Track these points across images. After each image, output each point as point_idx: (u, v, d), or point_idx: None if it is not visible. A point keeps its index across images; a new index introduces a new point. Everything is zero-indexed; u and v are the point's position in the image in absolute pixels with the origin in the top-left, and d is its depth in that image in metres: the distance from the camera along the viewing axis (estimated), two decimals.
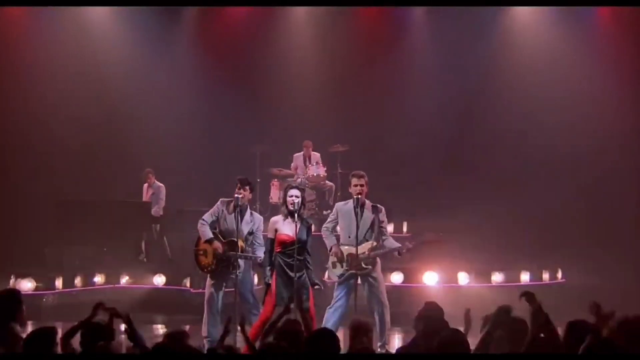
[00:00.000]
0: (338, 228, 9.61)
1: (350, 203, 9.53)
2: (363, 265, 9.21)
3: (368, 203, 9.44)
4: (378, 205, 9.51)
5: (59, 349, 5.55)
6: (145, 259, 14.84)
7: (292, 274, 8.86)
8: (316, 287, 9.05)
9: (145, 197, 15.19)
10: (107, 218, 14.58)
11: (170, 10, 16.45)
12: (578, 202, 15.60)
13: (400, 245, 9.41)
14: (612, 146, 15.70)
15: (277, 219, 9.21)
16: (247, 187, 9.56)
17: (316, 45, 16.99)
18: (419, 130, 16.23)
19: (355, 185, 9.43)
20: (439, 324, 5.88)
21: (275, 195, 14.99)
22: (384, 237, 9.48)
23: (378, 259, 9.42)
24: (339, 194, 15.00)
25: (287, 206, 9.05)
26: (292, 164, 15.52)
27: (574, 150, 15.74)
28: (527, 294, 5.82)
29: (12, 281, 12.99)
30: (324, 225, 9.68)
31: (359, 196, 9.32)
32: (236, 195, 9.44)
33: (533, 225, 15.38)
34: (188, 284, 13.49)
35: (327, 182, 15.33)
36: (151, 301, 13.10)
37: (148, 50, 16.29)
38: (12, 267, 13.44)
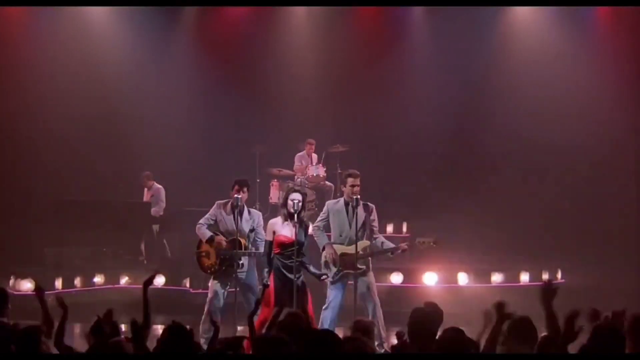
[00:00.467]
0: (330, 227, 9.60)
1: (341, 202, 9.55)
2: (358, 265, 9.21)
3: (360, 202, 9.45)
4: (369, 204, 9.52)
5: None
6: (145, 260, 14.84)
7: (291, 276, 8.87)
8: (323, 277, 9.07)
9: (146, 200, 15.20)
10: (107, 218, 14.59)
11: (170, 10, 16.44)
12: (578, 202, 15.60)
13: (394, 246, 9.40)
14: (612, 146, 15.70)
15: (276, 220, 9.22)
16: (245, 188, 9.62)
17: (316, 45, 16.98)
18: (418, 130, 16.23)
19: (353, 185, 9.44)
20: (428, 331, 5.83)
21: (275, 196, 14.99)
22: (375, 236, 9.49)
23: (370, 259, 9.44)
24: (338, 194, 15.00)
25: (287, 209, 9.06)
26: (295, 165, 15.47)
27: (574, 150, 15.74)
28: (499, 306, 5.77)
29: (11, 281, 12.99)
30: (314, 224, 9.66)
31: (358, 196, 9.32)
32: (236, 195, 9.45)
33: (533, 225, 15.38)
34: (188, 285, 13.49)
35: (326, 182, 15.33)
36: (151, 301, 13.04)
37: (148, 50, 16.28)
38: (12, 267, 13.43)
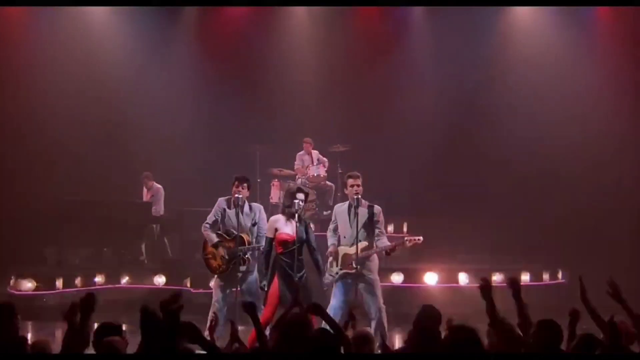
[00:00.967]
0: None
1: (346, 204, 9.58)
2: (353, 265, 9.21)
3: (364, 203, 9.45)
4: (375, 206, 9.51)
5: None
6: (145, 259, 14.85)
7: (293, 274, 8.87)
8: (325, 288, 9.09)
9: (145, 200, 15.20)
10: (108, 218, 14.60)
11: (170, 10, 16.44)
12: (578, 202, 15.59)
13: (387, 246, 9.37)
14: (612, 145, 15.69)
15: (278, 218, 9.22)
16: (246, 185, 9.61)
17: (316, 45, 16.98)
18: (418, 130, 16.22)
19: (352, 186, 9.45)
20: (432, 332, 5.84)
21: (275, 196, 14.99)
22: (377, 237, 9.46)
23: (375, 260, 9.42)
24: (339, 194, 15.00)
25: (292, 208, 9.06)
26: (295, 163, 15.48)
27: (574, 150, 15.74)
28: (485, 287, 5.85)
29: (12, 281, 13.00)
30: (329, 227, 9.76)
31: (358, 196, 9.32)
32: (236, 194, 9.46)
33: (533, 226, 15.38)
34: (188, 284, 13.50)
35: (327, 182, 15.33)
36: (151, 301, 13.02)
37: (148, 50, 16.29)
38: (13, 267, 13.44)
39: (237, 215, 9.43)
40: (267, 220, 9.54)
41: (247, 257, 9.42)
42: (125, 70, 16.02)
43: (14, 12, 15.97)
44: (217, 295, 9.51)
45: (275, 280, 8.95)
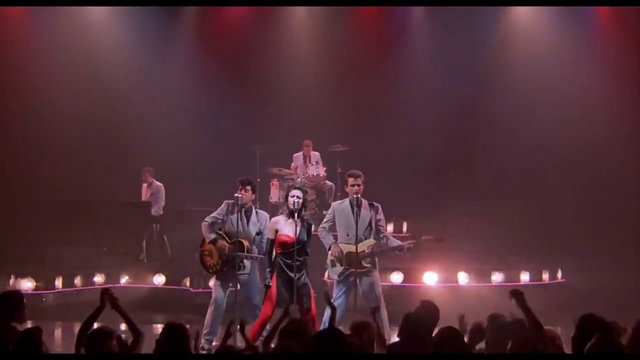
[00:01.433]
0: (336, 227, 9.60)
1: (346, 202, 9.56)
2: (363, 264, 9.21)
3: (365, 201, 9.44)
4: (375, 203, 9.51)
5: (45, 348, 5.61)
6: (145, 259, 14.84)
7: (292, 275, 8.86)
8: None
9: (145, 198, 15.19)
10: (107, 218, 14.59)
11: (170, 10, 16.45)
12: (578, 202, 15.61)
13: (401, 243, 9.40)
14: (612, 145, 15.69)
15: (278, 219, 9.20)
16: (248, 187, 9.55)
17: (316, 45, 16.99)
18: (418, 129, 16.22)
19: (353, 185, 9.44)
20: (424, 330, 5.84)
21: (275, 195, 15.00)
22: (382, 235, 9.48)
23: (376, 258, 9.43)
24: (338, 194, 14.99)
25: (287, 206, 9.05)
26: (292, 164, 15.52)
27: (574, 150, 15.75)
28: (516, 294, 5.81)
29: (11, 281, 12.99)
30: (320, 225, 9.68)
31: (358, 195, 9.32)
32: (236, 195, 9.45)
33: (533, 225, 15.37)
34: (188, 284, 13.49)
35: (327, 182, 15.33)
36: (151, 301, 13.09)
37: (148, 50, 16.30)
38: (12, 267, 13.44)
39: (238, 219, 9.39)
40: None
41: (243, 264, 9.39)
42: (126, 70, 16.02)
43: (14, 12, 15.98)
44: (216, 293, 9.50)
45: (274, 280, 8.94)
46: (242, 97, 16.49)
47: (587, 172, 15.64)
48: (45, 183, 15.46)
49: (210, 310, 9.44)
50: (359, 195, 9.34)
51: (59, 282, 13.26)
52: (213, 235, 9.51)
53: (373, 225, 9.42)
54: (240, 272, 9.36)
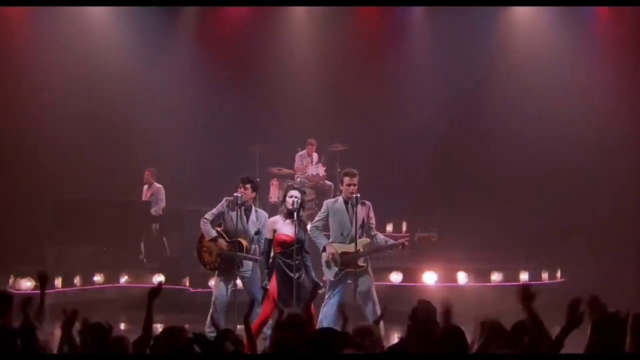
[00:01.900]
0: (330, 226, 9.58)
1: (340, 200, 9.53)
2: (359, 263, 9.19)
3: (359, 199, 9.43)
4: (365, 202, 9.47)
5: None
6: (144, 259, 14.85)
7: (291, 274, 8.86)
8: (320, 290, 9.03)
9: (145, 198, 15.20)
10: (107, 217, 14.60)
11: (170, 10, 16.45)
12: (577, 201, 15.61)
13: (394, 242, 9.40)
14: (611, 145, 15.71)
15: (276, 219, 9.20)
16: (248, 186, 9.55)
17: (316, 44, 17.00)
18: (418, 129, 16.23)
19: (349, 185, 9.43)
20: (429, 324, 5.84)
21: (274, 195, 15.00)
22: (372, 233, 9.47)
23: (368, 258, 9.43)
24: (338, 193, 14.99)
25: (286, 206, 9.06)
26: (295, 164, 15.49)
27: (574, 149, 15.75)
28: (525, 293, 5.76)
29: (11, 280, 12.99)
30: (312, 225, 9.58)
31: (357, 195, 9.31)
32: (236, 194, 9.45)
33: (532, 225, 15.38)
34: (187, 284, 13.49)
35: (326, 181, 15.33)
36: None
37: (148, 50, 16.30)
38: (12, 266, 13.44)
39: (238, 217, 9.40)
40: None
41: (242, 263, 9.40)
42: (126, 70, 16.02)
43: (14, 12, 15.98)
44: (217, 291, 9.50)
45: (274, 279, 8.94)
46: (242, 96, 16.50)
47: (587, 171, 15.64)
48: (45, 183, 15.46)
49: (212, 308, 9.42)
50: (358, 194, 9.33)
51: (58, 282, 13.25)
52: (214, 233, 9.50)
53: (366, 224, 9.42)
54: (239, 270, 9.37)
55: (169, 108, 16.55)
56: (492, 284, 13.46)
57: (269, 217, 9.57)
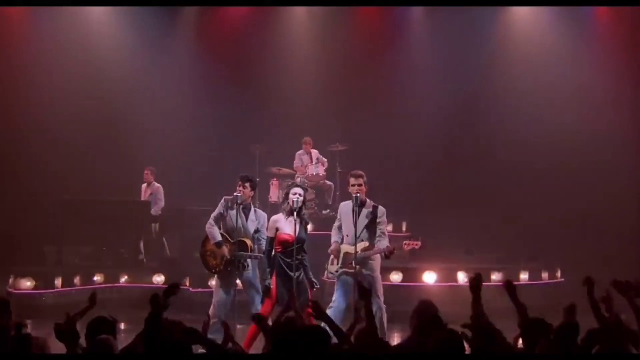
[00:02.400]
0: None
1: (350, 203, 9.55)
2: (353, 264, 9.19)
3: (369, 203, 9.41)
4: (378, 206, 9.47)
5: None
6: (144, 259, 14.85)
7: (291, 274, 8.86)
8: (314, 287, 9.07)
9: (144, 198, 15.19)
10: (107, 217, 14.59)
11: (169, 10, 16.46)
12: (577, 201, 15.62)
13: (385, 247, 9.35)
14: (611, 145, 15.72)
15: (278, 217, 9.19)
16: (247, 184, 9.54)
17: (316, 44, 17.02)
18: (418, 129, 16.24)
19: (353, 185, 9.43)
20: (433, 321, 5.86)
21: (274, 194, 15.00)
22: (378, 238, 9.43)
23: (377, 259, 9.41)
24: (337, 193, 15.02)
25: (288, 203, 9.05)
26: (294, 162, 15.50)
27: (573, 149, 15.76)
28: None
29: (11, 280, 12.99)
30: (334, 224, 9.66)
31: (358, 195, 9.31)
32: (235, 193, 9.45)
33: (533, 224, 15.39)
34: (187, 283, 13.49)
35: (326, 181, 15.34)
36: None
37: (148, 50, 16.31)
38: (12, 266, 13.44)
39: (237, 215, 9.41)
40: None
41: (247, 263, 9.40)
42: (125, 70, 16.03)
43: (14, 12, 15.98)
44: (218, 295, 9.49)
45: (274, 278, 8.94)
46: (241, 96, 16.50)
47: (586, 171, 15.65)
48: (44, 182, 15.47)
49: (213, 310, 9.40)
50: (359, 195, 9.32)
51: (58, 281, 13.25)
52: (219, 237, 9.48)
53: (371, 227, 9.39)
54: (244, 271, 9.38)
55: (169, 108, 16.55)
56: (492, 283, 13.44)
57: (269, 216, 9.57)
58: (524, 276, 13.66)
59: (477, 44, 16.41)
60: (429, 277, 13.24)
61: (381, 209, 9.44)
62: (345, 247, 9.35)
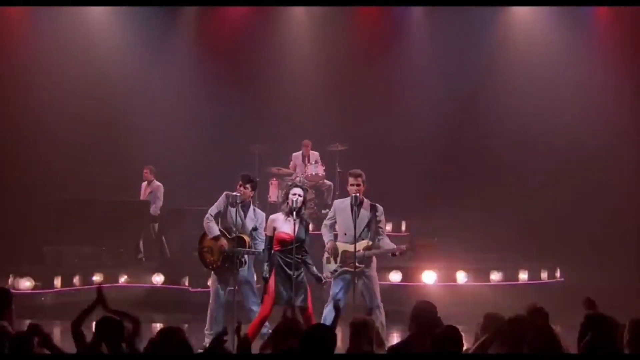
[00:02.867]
0: (336, 226, 9.61)
1: (347, 201, 9.53)
2: (357, 263, 9.19)
3: (367, 202, 9.42)
4: (377, 205, 9.48)
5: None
6: (143, 258, 14.85)
7: (290, 273, 8.85)
8: (323, 281, 9.06)
9: (143, 196, 15.18)
10: (106, 217, 14.58)
11: (169, 10, 16.46)
12: (577, 200, 15.63)
13: (395, 247, 9.38)
14: (611, 144, 15.72)
15: (276, 217, 9.19)
16: (248, 185, 9.57)
17: (315, 44, 17.01)
18: (417, 129, 16.25)
19: (352, 185, 9.44)
20: (432, 322, 5.87)
21: (273, 194, 15.01)
22: (379, 237, 9.44)
23: (374, 258, 9.42)
24: (337, 193, 15.00)
25: (288, 204, 9.04)
26: (290, 163, 15.54)
27: (573, 148, 15.77)
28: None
29: (10, 280, 12.98)
30: (324, 222, 9.66)
31: (357, 195, 9.31)
32: (235, 192, 9.46)
33: (532, 224, 15.39)
34: (187, 283, 13.49)
35: (325, 181, 15.34)
36: (150, 300, 13.09)
37: (148, 50, 16.31)
38: (11, 266, 13.44)
39: (236, 213, 9.42)
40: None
41: (244, 260, 9.41)
42: (125, 70, 16.03)
43: (14, 12, 15.98)
44: (215, 290, 9.50)
45: (273, 277, 8.94)
46: (241, 96, 16.50)
47: (586, 171, 15.65)
48: (44, 182, 15.47)
49: (210, 308, 9.44)
50: (358, 195, 9.32)
51: (57, 282, 13.25)
52: (217, 232, 9.49)
53: (372, 226, 9.40)
54: (240, 269, 9.38)
55: (169, 108, 16.55)
56: (492, 283, 13.45)
57: (268, 216, 9.57)
58: (523, 276, 13.67)
59: (477, 44, 16.41)
60: (429, 277, 13.25)
61: (380, 208, 9.46)
62: (344, 246, 9.34)
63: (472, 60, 16.36)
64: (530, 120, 16.02)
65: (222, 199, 9.61)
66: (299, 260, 8.93)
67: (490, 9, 16.42)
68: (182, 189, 15.56)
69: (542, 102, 16.07)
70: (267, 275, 8.89)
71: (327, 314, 9.21)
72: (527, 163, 16.05)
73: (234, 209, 9.43)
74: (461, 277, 13.40)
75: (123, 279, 13.90)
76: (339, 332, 7.61)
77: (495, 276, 13.48)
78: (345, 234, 9.37)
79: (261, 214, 9.73)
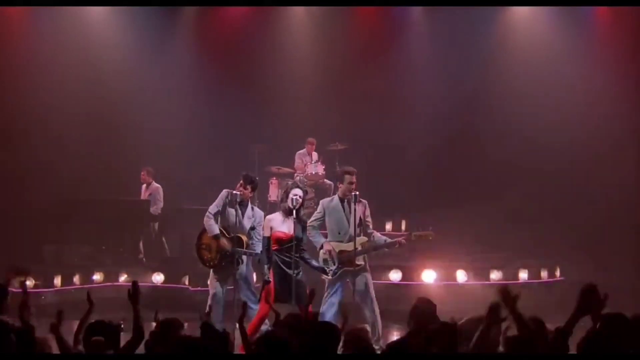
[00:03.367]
0: (326, 225, 9.60)
1: (335, 199, 9.55)
2: (357, 262, 9.19)
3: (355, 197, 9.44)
4: (362, 200, 9.49)
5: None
6: (143, 258, 14.86)
7: (289, 271, 8.87)
8: (327, 272, 9.08)
9: (143, 198, 15.20)
10: (106, 216, 14.61)
11: (170, 10, 16.47)
12: (577, 200, 15.63)
13: (391, 240, 9.40)
14: (610, 144, 15.71)
15: (273, 217, 9.22)
16: (249, 186, 9.59)
17: (315, 44, 17.03)
18: (418, 128, 16.26)
19: (351, 183, 9.45)
20: (430, 320, 5.87)
21: (273, 194, 15.02)
22: (369, 232, 9.48)
23: (366, 256, 9.44)
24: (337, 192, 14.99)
25: (287, 204, 9.06)
26: (295, 162, 15.51)
27: (573, 148, 15.77)
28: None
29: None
30: (308, 224, 9.56)
31: (356, 193, 9.32)
32: (235, 191, 9.47)
33: (532, 223, 15.39)
34: (187, 282, 13.51)
35: (325, 180, 15.34)
36: (150, 300, 13.05)
37: (148, 50, 16.32)
38: (11, 265, 13.43)
39: (235, 212, 9.43)
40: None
41: (242, 260, 9.42)
42: (125, 70, 16.04)
43: (14, 12, 15.98)
44: (214, 288, 9.52)
45: (272, 276, 8.95)
46: (241, 96, 16.51)
47: (585, 171, 15.65)
48: (44, 181, 15.47)
49: (209, 306, 9.44)
50: (357, 192, 9.34)
51: (57, 281, 13.28)
52: (216, 230, 9.50)
53: (363, 222, 9.43)
54: (238, 267, 9.40)
55: (169, 108, 16.55)
56: (491, 282, 13.46)
57: (267, 216, 9.59)
58: (523, 275, 13.68)
59: (477, 44, 16.41)
60: (428, 276, 13.26)
61: (365, 202, 9.51)
62: (339, 245, 9.33)
63: (472, 60, 16.37)
64: (530, 119, 16.02)
65: (221, 196, 9.62)
66: (298, 259, 8.96)
67: (490, 9, 16.42)
68: (182, 188, 15.58)
69: (542, 101, 16.07)
70: (268, 279, 8.90)
71: (324, 313, 9.23)
72: (528, 162, 16.04)
73: (231, 209, 9.44)
74: (461, 276, 13.42)
75: (123, 278, 13.90)
76: None
77: (495, 275, 13.49)
78: (339, 233, 9.36)
79: (259, 213, 9.74)
